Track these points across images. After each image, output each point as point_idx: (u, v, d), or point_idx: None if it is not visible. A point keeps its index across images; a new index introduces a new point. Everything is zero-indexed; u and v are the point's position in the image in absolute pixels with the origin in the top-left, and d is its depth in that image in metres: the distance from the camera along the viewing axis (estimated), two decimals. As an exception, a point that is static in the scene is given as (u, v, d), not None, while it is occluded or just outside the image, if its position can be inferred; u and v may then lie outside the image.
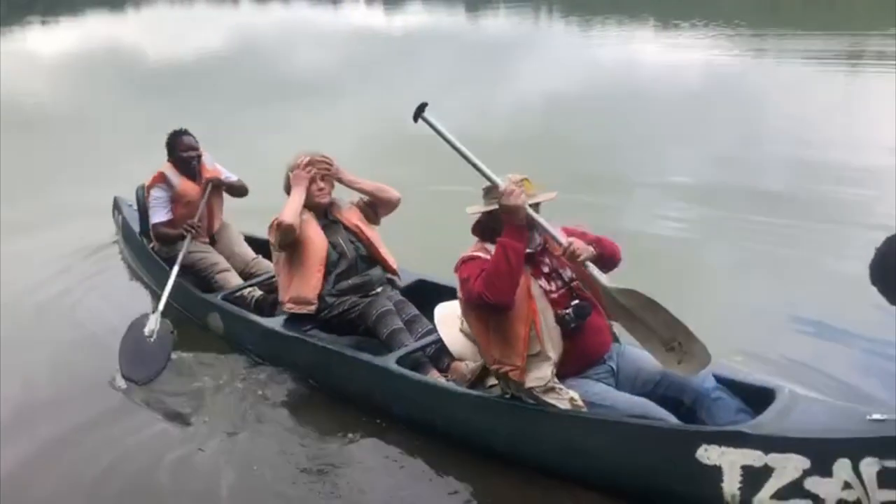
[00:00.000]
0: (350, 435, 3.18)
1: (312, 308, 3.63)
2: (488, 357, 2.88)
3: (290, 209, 3.58)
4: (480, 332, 2.87)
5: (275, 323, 3.79)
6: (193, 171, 4.58)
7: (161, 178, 4.55)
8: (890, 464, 2.23)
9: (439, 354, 3.38)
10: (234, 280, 4.41)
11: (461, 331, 3.32)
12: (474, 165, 2.83)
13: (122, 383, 3.68)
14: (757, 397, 2.67)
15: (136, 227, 4.95)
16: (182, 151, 4.53)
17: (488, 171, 2.80)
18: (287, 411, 3.41)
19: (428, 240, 4.84)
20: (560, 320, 2.77)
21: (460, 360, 3.30)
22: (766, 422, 2.48)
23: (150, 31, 28.90)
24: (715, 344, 2.68)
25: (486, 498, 2.81)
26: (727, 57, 13.52)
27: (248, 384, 3.63)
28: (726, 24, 17.20)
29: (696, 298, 4.11)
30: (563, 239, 2.75)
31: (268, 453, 3.10)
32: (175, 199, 4.55)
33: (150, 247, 4.75)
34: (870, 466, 2.24)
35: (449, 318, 3.37)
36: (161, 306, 4.04)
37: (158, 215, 4.56)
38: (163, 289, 4.20)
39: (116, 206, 5.50)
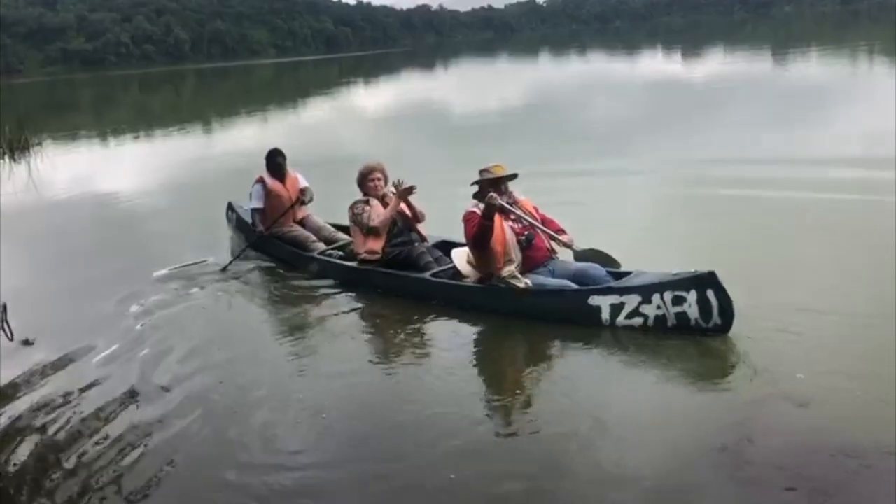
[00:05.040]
0: (401, 311, 5.51)
1: (378, 256, 6.01)
2: (483, 267, 5.23)
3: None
4: (478, 255, 5.25)
5: (352, 265, 6.18)
6: (281, 176, 7.11)
7: (261, 180, 7.09)
8: (678, 293, 4.53)
9: (454, 275, 5.73)
10: (320, 246, 6.86)
11: (467, 262, 5.68)
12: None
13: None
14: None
15: (249, 220, 7.35)
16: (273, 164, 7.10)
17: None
18: (360, 306, 5.75)
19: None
20: (518, 242, 5.16)
21: (466, 278, 5.64)
22: (622, 282, 4.83)
23: (458, 86, 30.92)
24: None
25: (480, 331, 5.11)
26: None
27: (334, 299, 5.97)
28: None
29: None
30: (519, 212, 5.20)
31: (355, 326, 5.46)
32: (267, 194, 7.06)
33: (259, 230, 7.11)
34: (668, 295, 4.56)
35: (460, 256, 5.72)
36: (232, 259, 6.75)
37: (255, 202, 7.12)
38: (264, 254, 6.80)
39: (230, 207, 7.91)
